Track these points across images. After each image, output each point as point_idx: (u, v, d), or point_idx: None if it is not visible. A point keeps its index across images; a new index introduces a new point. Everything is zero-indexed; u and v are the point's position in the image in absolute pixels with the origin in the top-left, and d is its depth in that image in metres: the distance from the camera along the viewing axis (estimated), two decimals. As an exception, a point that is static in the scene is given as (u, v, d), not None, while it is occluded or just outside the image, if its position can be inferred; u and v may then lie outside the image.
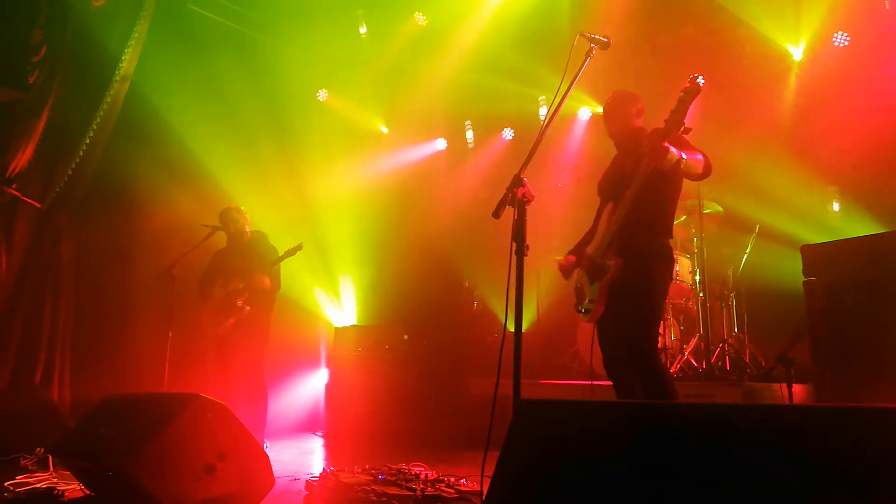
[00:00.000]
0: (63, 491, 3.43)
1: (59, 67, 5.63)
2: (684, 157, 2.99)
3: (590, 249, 3.43)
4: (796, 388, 4.20)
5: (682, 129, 2.96)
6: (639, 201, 3.15)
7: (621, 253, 3.23)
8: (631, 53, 6.91)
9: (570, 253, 3.62)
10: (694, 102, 3.00)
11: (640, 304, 3.21)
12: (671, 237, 3.35)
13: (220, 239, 5.42)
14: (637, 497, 1.88)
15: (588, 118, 7.50)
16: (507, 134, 8.12)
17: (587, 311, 3.39)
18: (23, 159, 5.44)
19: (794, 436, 1.81)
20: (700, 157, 3.13)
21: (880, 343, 3.75)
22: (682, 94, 2.95)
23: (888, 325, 3.75)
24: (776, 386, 4.41)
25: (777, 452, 1.78)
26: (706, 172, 3.17)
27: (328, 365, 7.06)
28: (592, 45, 3.08)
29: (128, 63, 5.90)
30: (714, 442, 1.86)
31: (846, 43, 5.78)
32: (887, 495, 1.63)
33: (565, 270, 3.58)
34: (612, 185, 3.41)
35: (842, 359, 3.93)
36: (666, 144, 2.93)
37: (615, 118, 3.54)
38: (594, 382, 5.51)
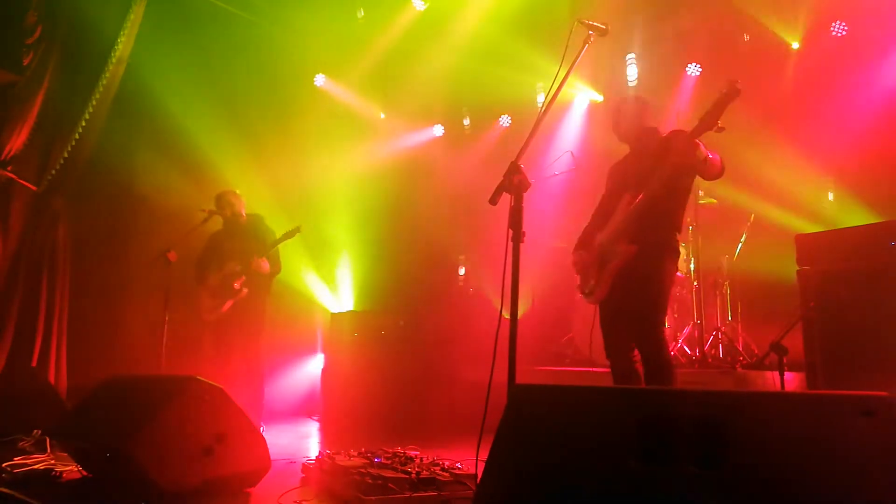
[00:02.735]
0: (61, 472, 3.45)
1: (54, 49, 5.60)
2: (710, 156, 3.13)
3: (601, 236, 3.53)
4: (789, 376, 4.24)
5: (716, 128, 3.03)
6: (658, 195, 3.28)
7: (634, 241, 3.34)
8: (629, 41, 6.90)
9: (578, 242, 3.72)
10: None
11: (651, 294, 3.33)
12: (680, 232, 3.47)
13: (217, 222, 5.42)
14: (629, 482, 1.91)
15: (586, 106, 7.49)
16: (505, 121, 8.10)
17: (591, 293, 3.52)
18: (18, 142, 5.42)
19: (786, 422, 1.83)
20: (718, 158, 3.24)
21: (873, 332, 3.79)
22: (719, 95, 3.01)
23: (881, 314, 3.78)
24: (769, 374, 4.45)
25: (769, 438, 1.81)
26: (721, 173, 3.29)
27: (324, 350, 7.09)
28: (591, 31, 3.08)
29: (124, 45, 5.86)
30: (707, 428, 1.88)
31: (844, 32, 5.78)
32: (877, 481, 1.66)
33: (578, 266, 3.69)
34: (630, 178, 3.50)
35: (834, 348, 3.97)
36: (697, 142, 3.07)
37: (627, 123, 3.64)
38: (593, 369, 5.56)
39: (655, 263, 3.34)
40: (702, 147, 3.09)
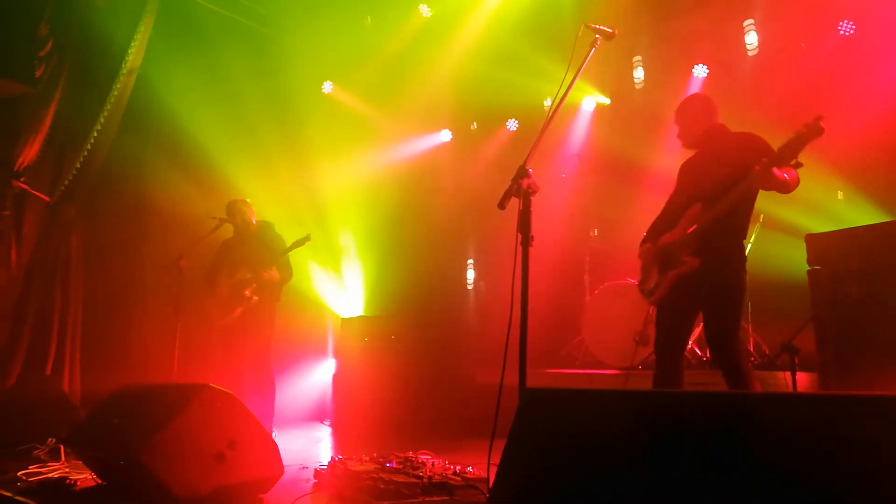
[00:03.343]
0: (75, 480, 3.47)
1: (65, 61, 5.66)
2: (787, 177, 3.18)
3: (666, 239, 3.60)
4: (800, 376, 4.22)
5: (794, 162, 3.06)
6: (728, 214, 3.34)
7: (698, 253, 3.41)
8: (636, 43, 6.91)
9: (645, 238, 3.81)
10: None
11: (729, 304, 3.37)
12: (745, 238, 3.51)
13: (228, 230, 5.46)
14: (641, 484, 1.91)
15: (592, 109, 7.50)
16: (512, 125, 8.12)
17: (651, 293, 3.63)
18: (31, 153, 5.47)
19: (798, 424, 1.83)
20: (795, 175, 3.27)
21: (884, 332, 3.77)
22: (803, 129, 3.00)
23: (892, 313, 3.76)
24: (781, 374, 4.43)
25: (781, 440, 1.81)
26: (795, 187, 3.33)
27: (335, 355, 7.11)
28: (597, 35, 3.09)
29: (134, 56, 5.92)
30: (718, 429, 1.88)
31: (851, 31, 5.76)
32: (892, 482, 1.65)
33: (644, 257, 3.78)
34: (703, 187, 3.52)
35: (846, 347, 3.95)
36: (774, 170, 3.11)
37: (692, 123, 3.65)
38: (604, 371, 5.55)
39: (728, 275, 3.39)
40: (776, 173, 3.13)
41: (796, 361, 3.91)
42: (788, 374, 3.94)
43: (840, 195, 5.67)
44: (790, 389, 4.05)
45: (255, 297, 5.14)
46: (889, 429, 1.70)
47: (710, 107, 3.65)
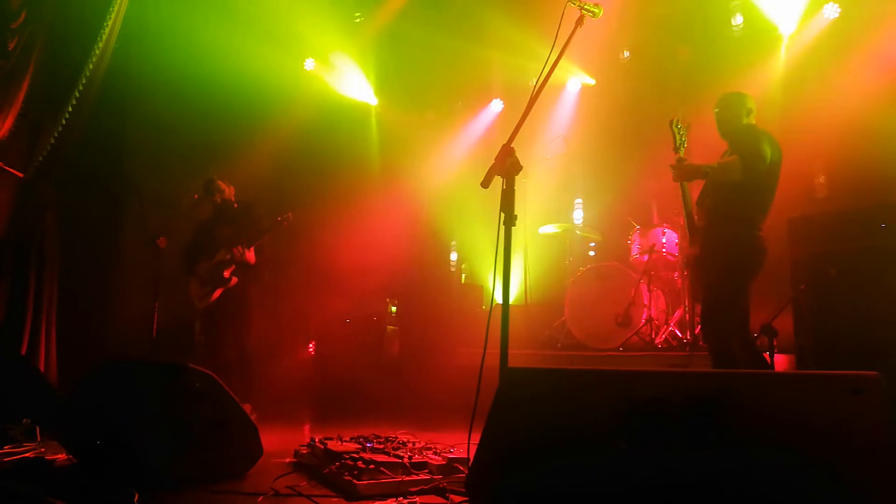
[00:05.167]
0: (52, 460, 3.43)
1: (39, 34, 5.51)
2: (707, 171, 3.54)
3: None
4: (779, 358, 4.26)
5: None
6: (714, 199, 3.61)
7: (698, 244, 3.68)
8: (622, 24, 6.86)
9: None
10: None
11: (711, 290, 3.58)
12: (755, 229, 3.57)
13: (206, 209, 5.38)
14: (619, 463, 1.92)
15: (578, 89, 7.46)
16: (497, 105, 8.07)
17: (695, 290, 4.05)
18: (3, 128, 5.34)
19: (775, 401, 1.84)
20: (735, 161, 3.47)
21: (863, 313, 3.81)
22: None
23: (870, 296, 3.80)
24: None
25: (758, 417, 1.82)
26: (734, 174, 3.48)
27: (316, 336, 7.08)
28: (583, 12, 3.05)
29: (110, 30, 5.77)
30: (696, 408, 1.89)
31: (836, 15, 5.77)
32: (865, 456, 1.67)
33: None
34: None
35: (824, 329, 3.99)
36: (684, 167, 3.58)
37: (725, 121, 3.77)
38: (585, 353, 5.58)
39: (714, 263, 3.57)
40: (685, 170, 3.53)
41: (775, 343, 3.96)
42: (766, 355, 3.98)
43: (821, 179, 5.71)
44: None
45: (234, 279, 5.09)
46: (864, 405, 1.72)
47: (745, 108, 3.73)
